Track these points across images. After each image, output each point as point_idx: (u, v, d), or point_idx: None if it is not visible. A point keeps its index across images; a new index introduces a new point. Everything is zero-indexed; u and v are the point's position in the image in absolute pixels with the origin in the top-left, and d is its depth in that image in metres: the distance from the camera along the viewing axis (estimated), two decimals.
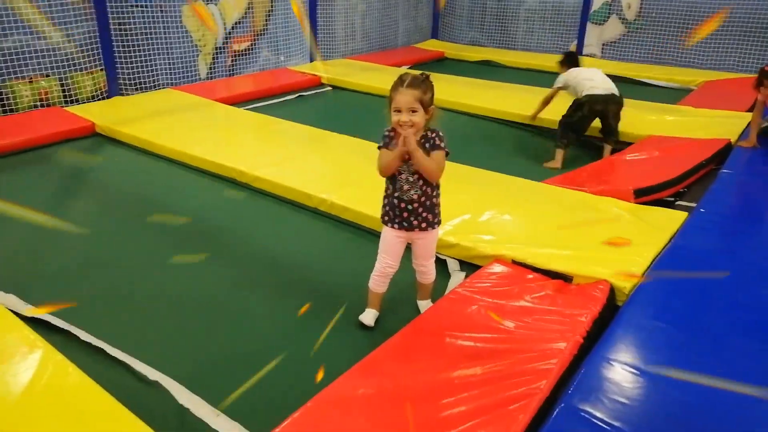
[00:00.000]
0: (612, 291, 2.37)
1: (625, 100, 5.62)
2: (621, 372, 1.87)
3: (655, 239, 2.79)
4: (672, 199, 3.48)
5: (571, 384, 1.82)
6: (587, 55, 8.20)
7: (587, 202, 3.27)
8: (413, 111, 2.04)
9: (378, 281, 2.31)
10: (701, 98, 5.81)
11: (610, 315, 2.24)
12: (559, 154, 4.34)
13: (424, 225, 2.18)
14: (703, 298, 2.32)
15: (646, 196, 3.37)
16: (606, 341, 2.03)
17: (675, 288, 2.38)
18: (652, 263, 2.57)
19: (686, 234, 2.83)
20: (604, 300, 2.29)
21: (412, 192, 2.13)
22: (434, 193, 2.17)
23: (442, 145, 2.10)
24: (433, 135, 2.12)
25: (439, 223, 2.23)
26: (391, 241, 2.24)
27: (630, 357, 1.94)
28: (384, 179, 2.22)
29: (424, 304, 2.40)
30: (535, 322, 2.18)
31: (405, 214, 2.17)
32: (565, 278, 2.49)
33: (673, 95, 6.20)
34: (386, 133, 2.19)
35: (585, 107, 4.37)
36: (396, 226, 2.20)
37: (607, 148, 4.51)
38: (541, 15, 8.64)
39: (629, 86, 6.74)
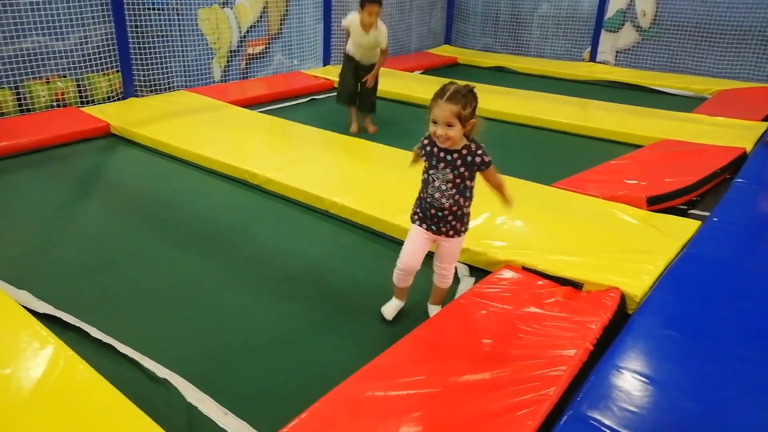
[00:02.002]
0: (623, 299, 2.36)
1: (638, 108, 5.64)
2: (630, 380, 1.85)
3: (667, 247, 2.77)
4: (685, 207, 3.45)
5: (580, 391, 1.81)
6: (601, 62, 8.18)
7: (599, 208, 3.26)
8: (449, 125, 2.04)
9: (400, 277, 2.32)
10: (716, 107, 5.77)
11: (621, 323, 2.22)
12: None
13: (451, 233, 2.19)
14: (714, 308, 2.30)
15: (659, 204, 3.35)
16: (616, 349, 2.02)
17: (686, 297, 2.36)
18: (663, 271, 2.55)
19: (699, 243, 2.81)
20: (614, 307, 2.28)
21: (444, 200, 2.14)
22: (466, 204, 2.17)
23: (488, 159, 2.12)
24: (476, 149, 2.10)
25: (466, 230, 2.24)
26: (418, 239, 2.24)
27: (640, 365, 1.93)
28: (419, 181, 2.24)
29: (434, 309, 2.40)
30: (544, 328, 2.17)
31: (435, 219, 2.18)
32: (576, 285, 2.48)
33: (688, 103, 6.16)
34: (423, 140, 2.19)
35: None
36: (424, 226, 2.22)
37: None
38: (554, 21, 8.62)
39: (643, 94, 6.74)
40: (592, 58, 8.27)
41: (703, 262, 2.65)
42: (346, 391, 1.84)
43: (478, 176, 2.17)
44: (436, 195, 2.13)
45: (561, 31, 8.59)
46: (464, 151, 2.09)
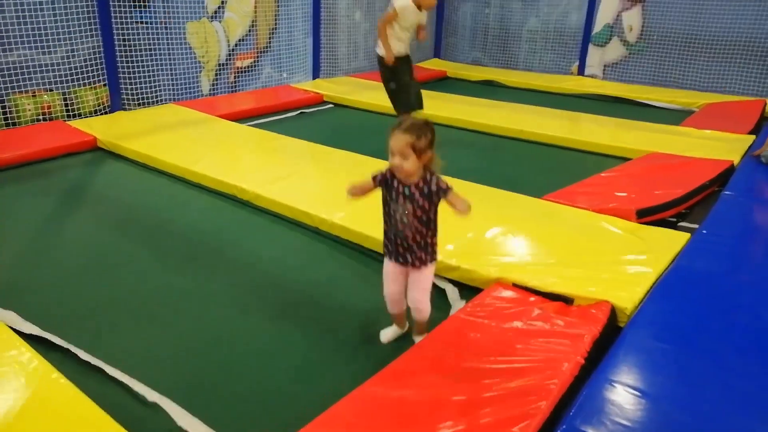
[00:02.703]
0: (613, 312, 2.34)
1: (626, 121, 5.69)
2: (623, 393, 1.84)
3: (657, 260, 2.76)
4: (674, 220, 3.46)
5: (572, 405, 1.79)
6: (589, 76, 8.26)
7: (589, 221, 3.26)
8: (404, 156, 2.04)
9: (389, 305, 2.32)
10: (703, 120, 5.83)
11: (612, 336, 2.21)
12: None
13: (417, 263, 2.18)
14: (705, 320, 2.29)
15: (649, 216, 3.35)
16: (608, 362, 2.00)
17: (677, 309, 2.35)
18: (654, 284, 2.54)
19: (689, 255, 2.81)
20: (605, 321, 2.26)
21: (407, 231, 2.13)
22: (429, 233, 2.15)
23: (445, 186, 2.09)
24: (431, 179, 2.09)
25: (434, 260, 2.21)
26: (391, 273, 2.25)
27: (632, 378, 1.91)
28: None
29: (418, 339, 2.37)
30: (535, 343, 2.15)
31: (401, 250, 2.18)
32: (566, 300, 2.47)
33: (675, 117, 6.22)
34: (386, 171, 2.18)
35: None
36: (393, 259, 2.21)
37: None
38: (543, 36, 8.71)
39: (631, 107, 6.80)
40: (581, 71, 8.35)
41: (693, 274, 2.64)
42: (338, 412, 1.82)
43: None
44: (399, 227, 2.13)
45: (549, 45, 8.68)
46: (420, 183, 2.08)
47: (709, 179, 3.87)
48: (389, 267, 2.25)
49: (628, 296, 2.42)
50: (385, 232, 2.22)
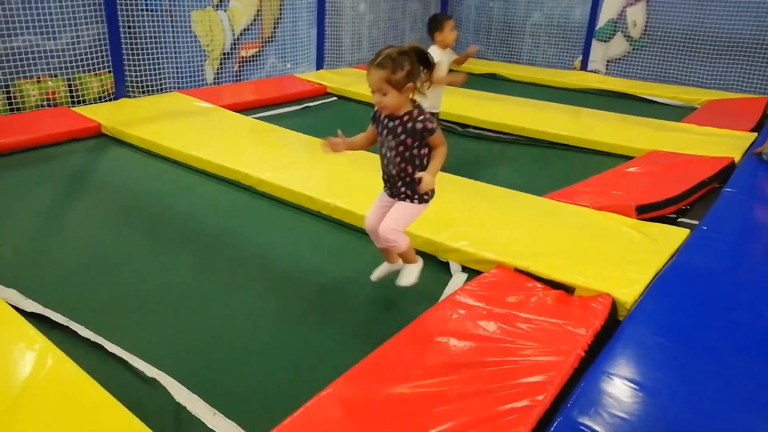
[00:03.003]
0: (614, 305, 2.37)
1: (628, 117, 5.69)
2: (621, 387, 1.86)
3: (657, 255, 2.79)
4: (674, 216, 3.48)
5: (570, 397, 1.81)
6: (592, 71, 8.25)
7: (589, 217, 3.28)
8: (382, 92, 1.97)
9: (371, 236, 2.37)
10: (705, 117, 5.83)
11: (611, 329, 2.23)
12: None
13: (403, 197, 2.19)
14: (704, 316, 2.32)
15: (649, 212, 3.38)
16: (606, 355, 2.02)
17: (676, 304, 2.38)
18: (653, 279, 2.57)
19: (688, 251, 2.83)
20: (605, 313, 2.29)
21: (391, 167, 2.14)
22: (412, 172, 2.11)
23: (431, 126, 2.02)
24: (418, 116, 2.01)
25: (421, 200, 2.19)
26: (378, 201, 2.30)
27: (630, 372, 1.94)
28: None
29: (393, 267, 2.38)
30: (535, 332, 2.18)
31: (388, 184, 2.22)
32: (567, 289, 2.49)
33: (677, 113, 6.23)
34: (375, 108, 2.18)
35: None
36: (385, 190, 2.26)
37: None
38: (546, 30, 8.70)
39: (633, 103, 6.80)
40: (583, 66, 8.34)
41: (693, 270, 2.67)
42: (336, 391, 1.84)
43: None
44: (385, 162, 2.14)
45: (553, 39, 8.67)
46: (405, 118, 2.02)
47: (710, 176, 3.89)
48: (380, 195, 2.28)
49: (628, 290, 2.44)
50: (381, 168, 2.25)
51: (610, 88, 7.32)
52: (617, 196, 3.59)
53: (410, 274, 2.35)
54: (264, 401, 1.95)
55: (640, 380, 1.90)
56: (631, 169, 4.20)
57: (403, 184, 2.14)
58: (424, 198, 2.19)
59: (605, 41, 8.18)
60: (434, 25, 4.00)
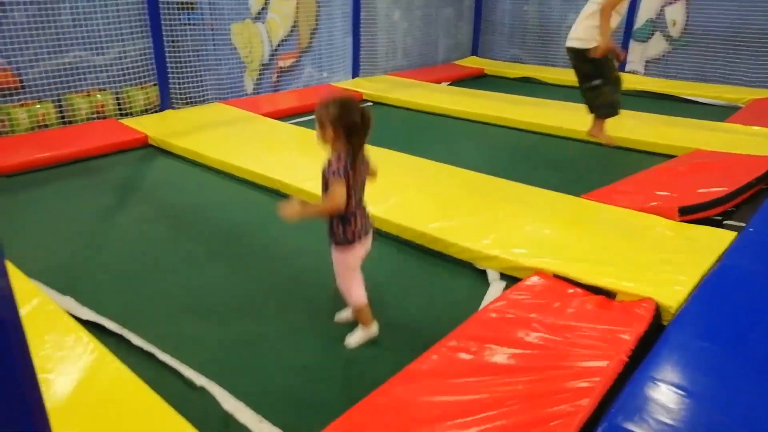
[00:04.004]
0: (657, 310, 2.34)
1: (669, 118, 5.57)
2: (666, 392, 1.84)
3: (702, 259, 2.74)
4: (720, 218, 3.41)
5: (614, 403, 1.81)
6: (630, 72, 8.12)
7: (630, 219, 3.24)
8: (317, 125, 2.08)
9: None
10: (749, 116, 5.67)
11: (655, 334, 2.21)
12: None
13: (330, 240, 2.21)
14: (751, 320, 2.27)
15: (692, 214, 3.32)
16: (651, 361, 2.00)
17: (722, 309, 2.33)
18: (698, 283, 2.53)
19: (735, 254, 2.77)
20: (649, 318, 2.27)
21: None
22: (333, 220, 2.15)
23: (333, 170, 2.05)
24: (328, 161, 2.08)
25: (340, 244, 2.16)
26: None
27: (676, 377, 1.92)
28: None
29: (349, 338, 2.32)
30: (577, 338, 2.17)
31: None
32: (609, 294, 2.47)
33: (720, 113, 6.07)
34: None
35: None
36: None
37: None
38: None
39: (674, 104, 6.66)
40: (621, 68, 8.19)
41: (740, 273, 2.61)
42: (379, 398, 1.87)
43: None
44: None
45: None
46: (325, 162, 2.10)
47: (756, 177, 3.79)
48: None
49: (672, 294, 2.41)
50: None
51: (650, 89, 7.19)
52: (659, 197, 3.53)
53: (354, 336, 2.30)
54: (310, 408, 1.99)
55: (686, 386, 1.88)
56: (673, 169, 4.12)
57: (330, 226, 2.18)
58: (342, 240, 2.15)
59: (644, 41, 8.03)
60: None
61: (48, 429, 0.94)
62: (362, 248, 2.20)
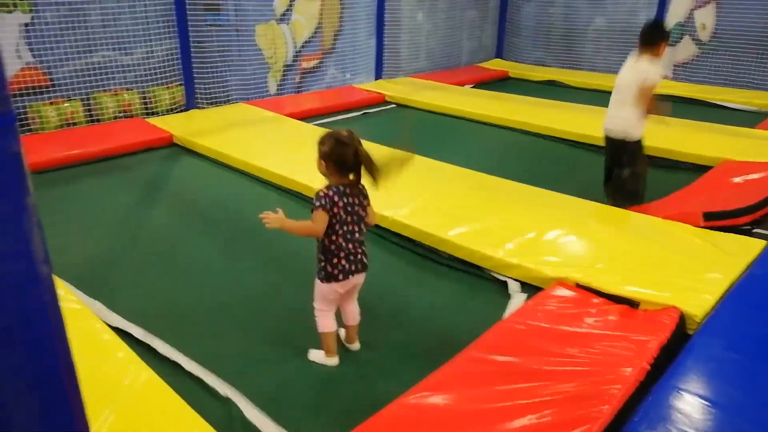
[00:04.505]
0: (682, 318, 2.30)
1: (698, 123, 5.46)
2: (690, 401, 1.81)
3: (730, 267, 2.68)
4: (748, 227, 3.33)
5: (637, 411, 1.78)
6: None
7: (655, 226, 3.19)
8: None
9: None
10: None
11: (680, 343, 2.17)
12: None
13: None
14: None
15: (717, 220, 3.24)
16: (675, 370, 1.97)
17: (751, 319, 2.28)
18: (726, 292, 2.48)
19: (765, 263, 2.71)
20: (673, 327, 2.23)
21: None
22: (317, 246, 2.17)
23: (318, 199, 2.09)
24: (319, 192, 2.11)
25: (318, 277, 2.19)
26: None
27: (700, 387, 1.88)
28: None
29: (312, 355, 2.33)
30: (599, 346, 2.15)
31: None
32: (632, 303, 2.44)
33: (750, 119, 5.95)
34: None
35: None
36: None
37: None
38: (609, 35, 8.49)
39: (703, 109, 6.54)
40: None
41: None
42: (402, 406, 1.87)
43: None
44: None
45: (615, 44, 8.44)
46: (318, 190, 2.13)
47: None
48: None
49: (698, 303, 2.37)
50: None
51: (678, 93, 7.06)
52: (685, 205, 3.46)
53: (315, 354, 2.30)
54: (330, 419, 1.99)
55: (710, 396, 1.84)
56: (702, 181, 4.03)
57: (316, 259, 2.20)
58: (320, 276, 2.18)
59: (672, 45, 7.91)
60: (656, 36, 3.59)
61: (84, 415, 0.96)
62: (341, 287, 2.17)
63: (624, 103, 3.58)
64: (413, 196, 3.59)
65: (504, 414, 1.82)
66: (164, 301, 2.65)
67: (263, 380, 2.15)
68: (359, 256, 2.18)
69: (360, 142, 2.12)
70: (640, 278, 2.58)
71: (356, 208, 2.14)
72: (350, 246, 2.14)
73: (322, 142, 2.12)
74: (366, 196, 2.19)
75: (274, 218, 2.12)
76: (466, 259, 2.97)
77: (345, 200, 2.10)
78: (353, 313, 2.30)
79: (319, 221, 2.07)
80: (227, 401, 2.01)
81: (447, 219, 3.24)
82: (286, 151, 4.56)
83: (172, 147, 4.88)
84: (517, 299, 2.64)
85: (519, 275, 2.77)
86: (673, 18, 7.81)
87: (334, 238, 2.11)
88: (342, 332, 2.37)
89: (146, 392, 1.93)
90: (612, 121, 3.66)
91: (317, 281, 2.20)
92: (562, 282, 2.61)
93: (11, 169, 0.74)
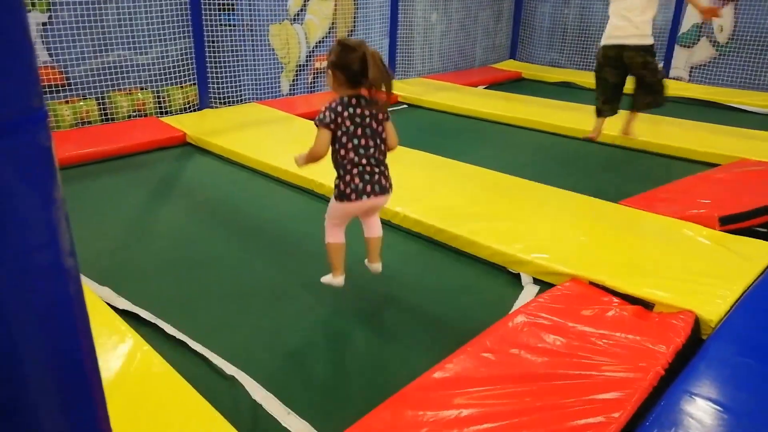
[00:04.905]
0: (697, 322, 2.27)
1: (715, 126, 5.40)
2: (704, 407, 1.78)
3: (745, 271, 2.64)
4: (765, 231, 3.28)
5: (649, 416, 1.75)
6: (674, 78, 7.91)
7: (669, 227, 3.15)
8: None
9: None
10: None
11: (693, 348, 2.14)
12: (597, 122, 4.56)
13: None
14: None
15: (733, 223, 3.20)
16: (688, 375, 1.94)
17: (764, 324, 2.24)
18: (741, 296, 2.44)
19: None
20: (687, 331, 2.19)
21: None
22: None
23: (318, 117, 2.04)
24: (328, 103, 2.04)
25: (333, 194, 2.16)
26: None
27: (714, 392, 1.85)
28: None
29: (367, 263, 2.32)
30: (612, 348, 2.11)
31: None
32: (646, 305, 2.40)
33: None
34: None
35: (600, 55, 4.32)
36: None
37: (631, 115, 4.45)
38: None
39: (719, 111, 6.46)
40: (665, 73, 8.00)
41: None
42: (405, 398, 1.86)
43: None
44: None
45: None
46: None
47: None
48: None
49: (713, 307, 2.33)
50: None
51: (694, 95, 6.99)
52: (699, 205, 3.41)
53: (326, 278, 2.33)
54: (336, 403, 2.00)
55: (724, 401, 1.81)
56: (716, 177, 3.99)
57: None
58: (335, 191, 2.12)
59: (689, 47, 7.82)
60: None
61: (105, 406, 0.97)
62: (355, 208, 2.08)
63: (647, 9, 4.08)
64: (426, 192, 3.58)
65: (508, 415, 1.79)
66: (174, 292, 2.67)
67: (273, 365, 2.17)
68: (376, 176, 2.04)
69: (369, 49, 1.97)
70: (655, 279, 2.55)
71: (368, 119, 1.99)
72: (363, 161, 1.99)
73: (330, 51, 2.01)
74: (382, 110, 2.03)
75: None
76: (479, 255, 2.96)
77: (351, 110, 1.97)
78: (376, 227, 2.21)
79: (318, 140, 1.99)
80: (233, 382, 2.02)
81: (460, 215, 3.23)
82: (297, 150, 4.54)
83: (185, 146, 4.91)
84: (530, 290, 2.63)
85: (532, 271, 2.75)
86: (690, 19, 7.72)
87: (343, 152, 1.99)
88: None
89: (152, 375, 1.95)
90: (641, 29, 4.10)
91: (332, 198, 2.12)
92: (575, 279, 2.58)
93: (42, 163, 0.76)
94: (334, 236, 2.16)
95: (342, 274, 2.21)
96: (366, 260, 2.27)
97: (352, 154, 2.00)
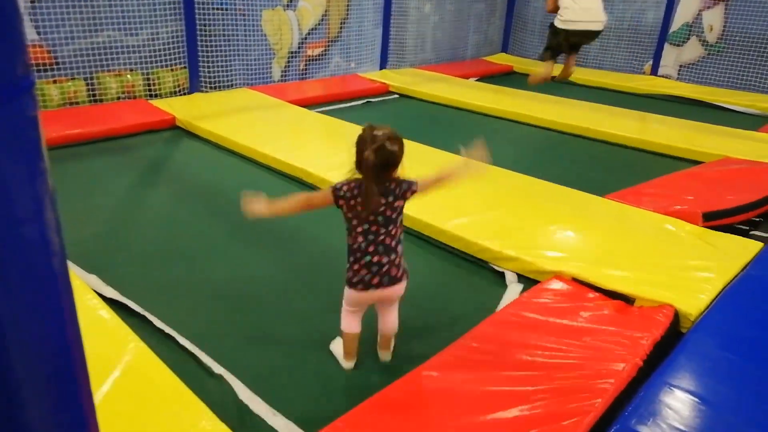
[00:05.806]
0: (677, 316, 2.31)
1: (701, 125, 5.46)
2: (682, 398, 1.83)
3: (726, 267, 2.69)
4: (747, 228, 3.34)
5: (628, 406, 1.79)
6: (663, 76, 7.97)
7: (653, 222, 3.20)
8: None
9: None
10: None
11: (673, 341, 2.18)
12: (543, 66, 5.23)
13: None
14: None
15: (716, 220, 3.25)
16: (668, 367, 1.98)
17: (745, 319, 2.29)
18: (721, 292, 2.49)
19: (761, 265, 2.72)
20: (667, 324, 2.24)
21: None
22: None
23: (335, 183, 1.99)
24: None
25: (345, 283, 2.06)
26: None
27: (692, 384, 1.90)
28: None
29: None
30: (592, 341, 2.16)
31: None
32: (627, 300, 2.45)
33: (754, 122, 5.94)
34: None
35: (561, 36, 5.00)
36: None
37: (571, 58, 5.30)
38: (616, 33, 8.45)
39: (706, 110, 6.53)
40: (654, 71, 8.06)
41: (765, 284, 2.56)
42: (389, 395, 1.88)
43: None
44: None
45: (623, 43, 8.41)
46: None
47: None
48: None
49: (693, 302, 2.38)
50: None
51: (682, 94, 7.05)
52: (683, 201, 3.46)
53: (335, 345, 2.22)
54: (324, 400, 2.00)
55: (703, 393, 1.86)
56: (700, 174, 4.05)
57: None
58: (346, 281, 2.03)
59: (678, 45, 7.88)
60: None
61: (89, 389, 0.97)
62: (364, 298, 2.01)
63: None
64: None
65: (495, 404, 1.83)
66: (160, 282, 2.65)
67: (259, 363, 2.16)
68: (385, 267, 1.93)
69: (382, 146, 1.88)
70: (636, 274, 2.59)
71: (381, 207, 1.92)
72: (371, 249, 1.92)
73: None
74: (399, 197, 1.97)
75: (261, 205, 1.97)
76: (464, 251, 2.97)
77: (364, 201, 1.90)
78: (389, 322, 2.12)
79: (319, 194, 1.96)
80: (220, 380, 2.02)
81: (445, 209, 3.23)
82: (288, 137, 4.56)
83: (174, 129, 4.87)
84: (514, 289, 2.65)
85: (516, 268, 2.77)
86: (681, 18, 7.78)
87: (353, 235, 1.94)
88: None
89: (138, 366, 1.94)
90: (599, 16, 4.87)
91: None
92: (558, 276, 2.62)
93: (28, 133, 0.73)
94: (348, 325, 2.09)
95: (353, 360, 2.14)
96: (377, 345, 2.24)
97: (360, 239, 1.93)
